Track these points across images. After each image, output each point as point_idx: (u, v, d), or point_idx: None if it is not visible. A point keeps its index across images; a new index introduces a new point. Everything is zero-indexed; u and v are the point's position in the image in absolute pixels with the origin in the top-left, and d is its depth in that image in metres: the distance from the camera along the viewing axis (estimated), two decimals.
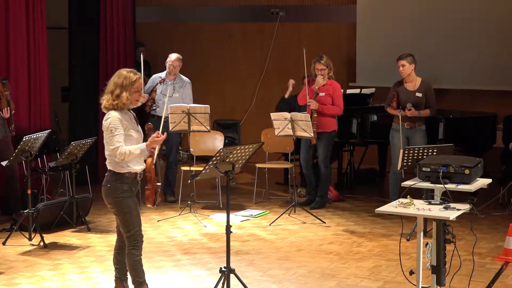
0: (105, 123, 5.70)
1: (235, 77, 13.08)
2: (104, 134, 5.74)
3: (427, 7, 11.57)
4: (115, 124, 5.65)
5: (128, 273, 6.01)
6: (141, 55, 9.20)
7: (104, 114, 5.78)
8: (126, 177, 5.76)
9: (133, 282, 5.94)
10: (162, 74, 9.73)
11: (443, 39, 11.42)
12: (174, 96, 9.51)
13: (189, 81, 9.76)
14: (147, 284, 5.96)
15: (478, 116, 10.13)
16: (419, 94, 8.91)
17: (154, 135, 5.80)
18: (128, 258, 5.86)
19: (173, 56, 9.66)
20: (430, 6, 11.55)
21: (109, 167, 5.79)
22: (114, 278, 6.10)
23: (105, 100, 5.73)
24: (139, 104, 5.85)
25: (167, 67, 9.63)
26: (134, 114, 5.90)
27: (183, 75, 9.80)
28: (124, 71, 5.77)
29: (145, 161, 5.99)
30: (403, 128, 8.85)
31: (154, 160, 6.07)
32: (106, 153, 5.77)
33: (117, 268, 6.06)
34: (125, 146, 5.66)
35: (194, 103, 9.45)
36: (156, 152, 6.04)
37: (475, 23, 11.26)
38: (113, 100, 5.68)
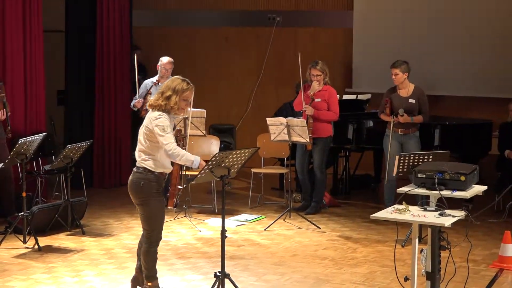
0: (155, 121, 5.84)
1: (231, 81, 13.07)
2: (147, 132, 5.88)
3: (423, 14, 11.58)
4: (166, 123, 5.84)
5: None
6: (135, 58, 9.13)
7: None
8: (157, 176, 5.92)
9: (148, 277, 6.12)
10: (154, 79, 9.69)
11: (439, 45, 11.43)
12: None
13: None
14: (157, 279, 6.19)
15: (474, 123, 10.14)
16: (412, 100, 8.93)
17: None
18: (147, 254, 6.05)
19: (164, 59, 9.63)
20: (426, 13, 11.56)
21: (142, 164, 5.91)
22: (136, 267, 6.27)
23: (153, 99, 5.93)
24: (182, 115, 6.11)
25: (159, 71, 9.61)
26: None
27: None
28: (179, 78, 5.99)
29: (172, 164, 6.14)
30: (397, 134, 8.88)
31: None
32: (142, 149, 5.91)
33: (140, 260, 6.21)
34: (186, 153, 5.87)
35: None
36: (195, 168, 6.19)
37: (471, 29, 11.28)
38: (162, 100, 5.87)
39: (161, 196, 6.02)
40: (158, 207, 5.99)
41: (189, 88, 5.93)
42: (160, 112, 5.87)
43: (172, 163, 6.15)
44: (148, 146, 5.92)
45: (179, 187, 6.40)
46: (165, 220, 8.87)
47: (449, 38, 11.39)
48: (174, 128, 6.18)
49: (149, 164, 5.91)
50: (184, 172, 9.18)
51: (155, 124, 5.85)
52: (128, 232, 8.51)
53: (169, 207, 6.62)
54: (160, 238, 6.12)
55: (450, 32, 11.39)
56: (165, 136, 5.83)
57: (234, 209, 9.66)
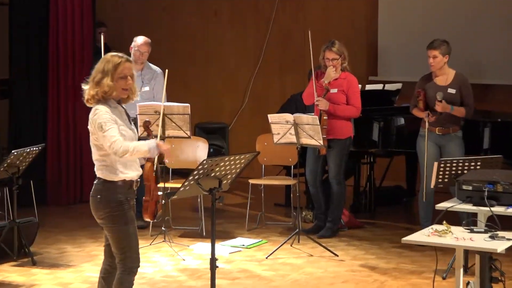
0: (92, 119, 5.89)
1: (222, 68, 13.09)
2: (90, 134, 5.94)
3: None
4: (104, 118, 5.83)
5: None
6: (102, 38, 9.21)
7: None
8: (119, 186, 5.93)
9: None
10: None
11: (488, 22, 11.41)
12: (144, 90, 9.54)
13: (161, 71, 9.78)
14: None
15: None
16: (452, 91, 8.95)
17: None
18: (118, 284, 6.00)
19: (139, 40, 9.68)
20: None
21: (98, 175, 5.97)
22: None
23: (86, 91, 5.96)
24: (132, 98, 6.05)
25: (132, 54, 9.64)
26: (125, 109, 6.09)
27: (153, 64, 9.83)
28: (108, 55, 6.03)
29: (142, 167, 6.10)
30: (434, 134, 8.90)
31: (155, 166, 6.12)
32: (94, 157, 5.98)
33: None
34: (126, 142, 5.82)
35: (170, 100, 9.46)
36: (156, 156, 6.11)
37: None
38: (93, 89, 5.91)
39: (128, 211, 6.01)
40: (124, 221, 5.98)
41: (122, 61, 5.94)
42: (96, 106, 5.91)
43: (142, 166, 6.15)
44: (96, 151, 5.97)
45: (159, 193, 6.34)
46: (140, 246, 8.96)
47: (502, 13, 11.36)
48: (130, 119, 6.11)
49: (104, 173, 5.95)
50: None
51: (91, 122, 5.90)
52: (91, 262, 8.51)
53: (146, 220, 6.56)
54: (137, 264, 6.10)
55: (503, 5, 11.36)
56: (105, 134, 5.82)
57: (227, 232, 9.67)
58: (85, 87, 5.98)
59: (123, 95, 5.98)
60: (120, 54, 6.01)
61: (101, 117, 5.84)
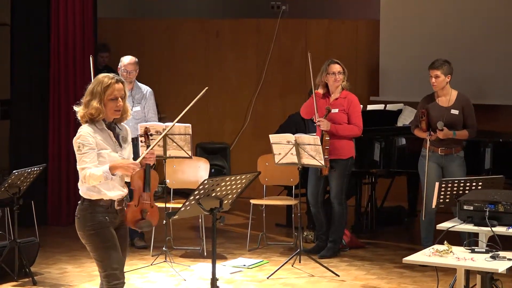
0: (74, 140, 5.97)
1: (223, 88, 13.10)
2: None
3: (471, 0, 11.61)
4: (83, 140, 5.91)
5: None
6: (91, 60, 9.19)
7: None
8: (99, 205, 5.96)
9: None
10: (143, 86, 9.80)
11: (490, 41, 11.42)
12: (135, 110, 9.52)
13: (151, 90, 9.80)
14: None
15: None
16: (454, 111, 8.97)
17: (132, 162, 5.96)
18: None
19: (125, 59, 9.67)
20: None
21: (80, 192, 6.03)
22: None
23: (78, 112, 6.04)
24: (125, 118, 6.07)
25: (119, 74, 9.57)
26: (120, 130, 6.08)
27: (141, 83, 9.83)
28: (99, 76, 6.07)
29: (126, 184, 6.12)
30: (436, 155, 8.91)
31: (145, 173, 6.12)
32: (79, 175, 6.02)
33: None
34: (91, 169, 5.84)
35: (171, 121, 9.48)
36: (152, 162, 6.13)
37: None
38: (83, 109, 5.99)
39: (107, 229, 6.00)
40: (103, 239, 5.99)
41: (112, 83, 5.96)
42: (82, 126, 5.98)
43: (130, 186, 6.16)
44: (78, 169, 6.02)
45: (149, 203, 6.32)
46: (140, 266, 8.98)
47: (504, 31, 11.38)
48: (119, 138, 6.10)
49: (84, 190, 6.00)
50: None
51: (74, 141, 5.97)
52: (92, 281, 8.51)
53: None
54: (121, 281, 6.03)
55: (504, 23, 11.38)
56: (79, 156, 5.91)
57: (228, 252, 9.67)
58: (76, 108, 6.04)
59: (115, 116, 6.01)
60: (111, 75, 6.02)
61: (80, 138, 5.91)
